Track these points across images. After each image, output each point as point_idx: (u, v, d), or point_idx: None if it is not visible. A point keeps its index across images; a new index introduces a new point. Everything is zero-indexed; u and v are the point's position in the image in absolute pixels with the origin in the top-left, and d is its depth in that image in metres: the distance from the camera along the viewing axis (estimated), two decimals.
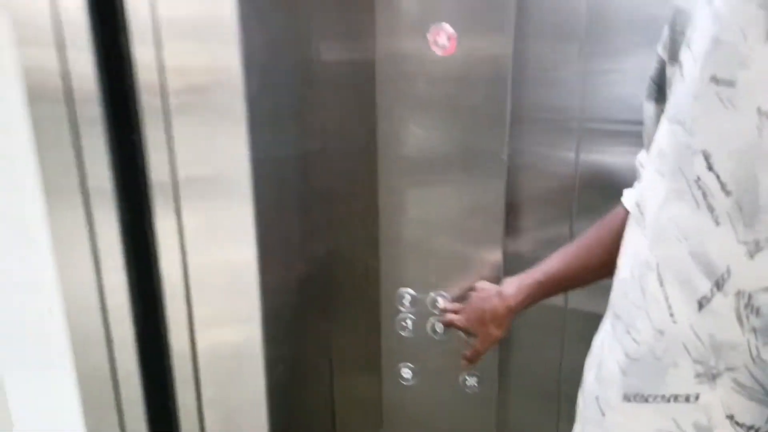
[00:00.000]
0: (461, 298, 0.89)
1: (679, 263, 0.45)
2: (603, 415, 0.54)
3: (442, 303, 0.91)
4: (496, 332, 0.81)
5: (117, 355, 0.74)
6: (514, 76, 0.80)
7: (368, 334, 0.96)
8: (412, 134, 0.86)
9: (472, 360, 0.85)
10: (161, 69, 0.64)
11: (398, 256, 0.93)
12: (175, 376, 0.73)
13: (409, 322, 0.94)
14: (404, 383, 0.94)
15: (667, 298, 0.46)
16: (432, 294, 0.92)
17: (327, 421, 0.98)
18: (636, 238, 0.52)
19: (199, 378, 0.72)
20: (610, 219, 0.74)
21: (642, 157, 0.68)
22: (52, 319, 0.74)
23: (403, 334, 0.94)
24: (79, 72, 0.65)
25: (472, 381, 0.93)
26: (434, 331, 0.93)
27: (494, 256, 0.88)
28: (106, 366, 0.74)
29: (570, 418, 0.62)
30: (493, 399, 0.87)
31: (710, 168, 0.41)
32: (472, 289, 0.87)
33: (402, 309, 0.94)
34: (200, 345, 0.71)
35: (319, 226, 0.90)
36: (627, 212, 0.70)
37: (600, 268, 0.71)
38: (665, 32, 0.55)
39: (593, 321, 0.61)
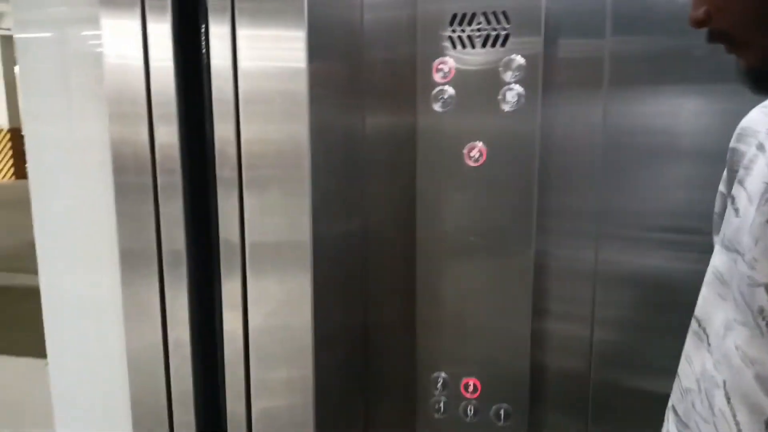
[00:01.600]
0: None
1: (745, 386, 0.49)
2: None
3: None
4: None
5: (176, 415, 0.81)
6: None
7: (404, 414, 1.01)
8: (449, 213, 0.95)
9: None
10: (238, 143, 0.74)
11: (434, 339, 1.01)
12: None
13: (442, 405, 1.00)
14: None
15: (734, 416, 0.50)
16: (464, 378, 0.99)
17: None
18: (700, 352, 0.56)
19: None
20: None
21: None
22: (115, 379, 0.80)
23: (436, 416, 1.00)
24: (164, 143, 0.76)
25: None
26: (465, 414, 0.99)
27: (522, 349, 0.94)
28: (165, 422, 0.81)
29: None
30: None
31: None
32: None
33: (436, 392, 1.01)
34: (255, 409, 0.79)
35: (360, 300, 0.98)
36: None
37: None
38: (725, 172, 0.62)
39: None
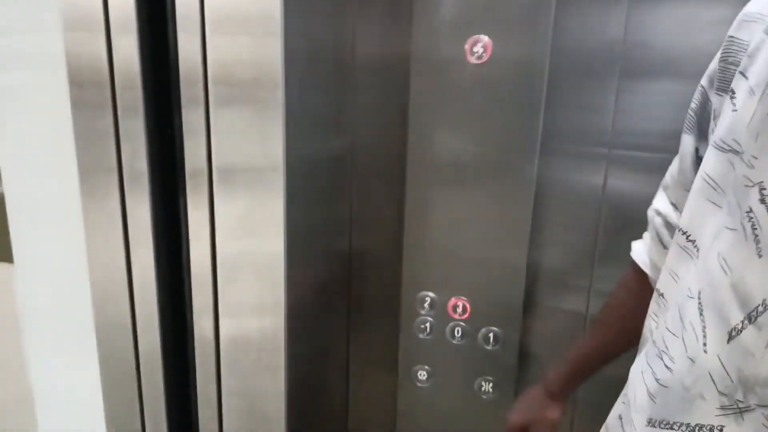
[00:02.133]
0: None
1: (720, 294, 0.44)
2: None
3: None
4: (552, 415, 0.80)
5: (141, 338, 0.75)
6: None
7: (387, 335, 0.96)
8: (443, 140, 0.86)
9: None
10: (204, 60, 0.64)
11: (421, 259, 0.93)
12: (197, 363, 0.74)
13: (428, 326, 0.94)
14: (419, 385, 0.95)
15: (704, 328, 0.45)
16: (453, 299, 0.93)
17: (341, 417, 0.98)
18: (687, 267, 0.51)
19: (221, 366, 0.73)
20: (621, 281, 0.73)
21: (663, 200, 0.65)
22: (79, 300, 0.75)
23: (421, 336, 0.95)
24: (123, 58, 0.66)
25: (488, 387, 0.93)
26: (453, 335, 0.93)
27: (518, 265, 0.87)
28: (129, 348, 0.75)
29: (584, 424, 0.62)
30: (509, 406, 0.87)
31: (763, 201, 0.41)
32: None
33: (422, 312, 0.94)
34: (223, 333, 0.72)
35: (345, 224, 0.90)
36: (633, 266, 0.70)
37: (627, 334, 0.69)
38: (714, 63, 0.53)
39: None
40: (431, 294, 0.94)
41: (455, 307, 0.93)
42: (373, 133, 0.86)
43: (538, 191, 0.84)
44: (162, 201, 0.70)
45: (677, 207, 0.63)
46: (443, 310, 0.93)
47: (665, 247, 0.63)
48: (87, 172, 0.69)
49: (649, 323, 0.59)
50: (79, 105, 0.68)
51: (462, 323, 0.93)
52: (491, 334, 0.91)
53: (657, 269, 0.65)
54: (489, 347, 0.91)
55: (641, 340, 0.62)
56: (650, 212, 0.68)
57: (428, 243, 0.92)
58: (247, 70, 0.63)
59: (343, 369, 0.96)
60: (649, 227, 0.68)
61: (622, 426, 0.57)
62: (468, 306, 0.92)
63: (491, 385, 0.93)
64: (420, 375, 0.95)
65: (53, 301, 0.80)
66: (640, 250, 0.70)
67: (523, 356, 0.91)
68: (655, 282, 0.61)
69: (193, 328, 0.74)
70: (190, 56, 0.65)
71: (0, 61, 0.74)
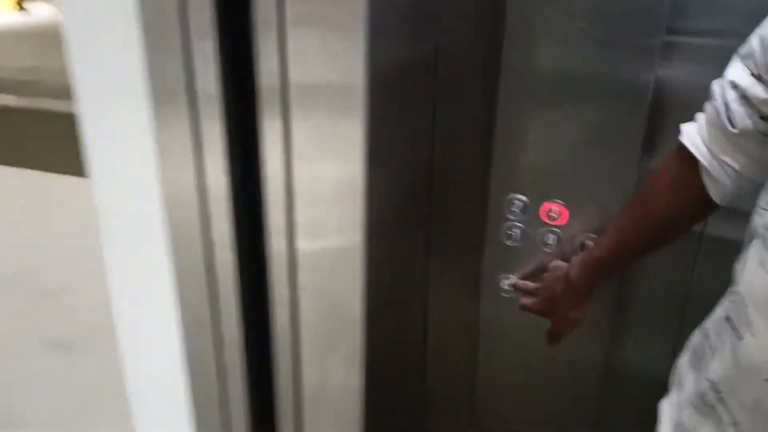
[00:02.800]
0: (533, 275, 0.84)
1: None
2: (740, 339, 0.51)
3: (514, 281, 0.87)
4: (574, 313, 0.77)
5: (216, 252, 0.72)
6: None
7: (471, 241, 0.89)
8: (543, 47, 0.72)
9: (553, 342, 0.82)
10: None
11: (512, 162, 0.83)
12: (273, 275, 0.70)
13: (517, 231, 0.86)
14: (504, 295, 0.89)
15: None
16: (546, 203, 0.83)
17: (420, 329, 0.95)
18: None
19: (297, 281, 0.69)
20: (662, 166, 0.65)
21: (740, 71, 0.54)
22: (154, 216, 0.71)
23: (508, 243, 0.87)
24: None
25: None
26: (544, 242, 0.85)
27: (626, 173, 0.76)
28: (202, 263, 0.73)
29: None
30: (603, 323, 0.81)
31: None
32: (544, 269, 0.81)
33: (511, 217, 0.86)
34: (300, 249, 0.68)
35: (428, 133, 0.80)
36: (681, 152, 0.61)
37: (661, 220, 0.65)
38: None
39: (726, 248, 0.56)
40: (521, 197, 0.85)
41: (549, 212, 0.83)
42: (461, 36, 0.74)
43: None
44: (236, 120, 0.64)
45: (762, 78, 0.51)
46: (535, 215, 0.85)
47: (733, 127, 0.54)
48: (158, 89, 0.64)
49: (763, 218, 0.51)
50: (148, 24, 0.62)
51: (556, 229, 0.84)
52: (590, 243, 0.82)
53: (711, 155, 0.57)
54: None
55: (747, 235, 0.55)
56: (717, 87, 0.56)
57: (521, 143, 0.81)
58: None
59: (422, 281, 0.91)
60: (709, 106, 0.57)
61: (732, 327, 0.53)
62: (565, 211, 0.83)
63: None
64: (505, 285, 0.88)
65: (128, 216, 0.78)
66: (692, 132, 0.60)
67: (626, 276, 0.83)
68: (706, 168, 0.56)
69: (269, 244, 0.69)
70: None
71: None
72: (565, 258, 0.81)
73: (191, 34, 0.61)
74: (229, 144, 0.66)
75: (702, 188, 0.59)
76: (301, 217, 0.66)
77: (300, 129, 0.62)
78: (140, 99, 0.67)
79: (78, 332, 2.99)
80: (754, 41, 0.53)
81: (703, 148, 0.58)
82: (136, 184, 0.75)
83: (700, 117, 0.60)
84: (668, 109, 0.73)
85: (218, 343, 0.76)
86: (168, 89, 0.65)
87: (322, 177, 0.63)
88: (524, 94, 0.79)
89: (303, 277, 0.68)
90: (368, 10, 0.55)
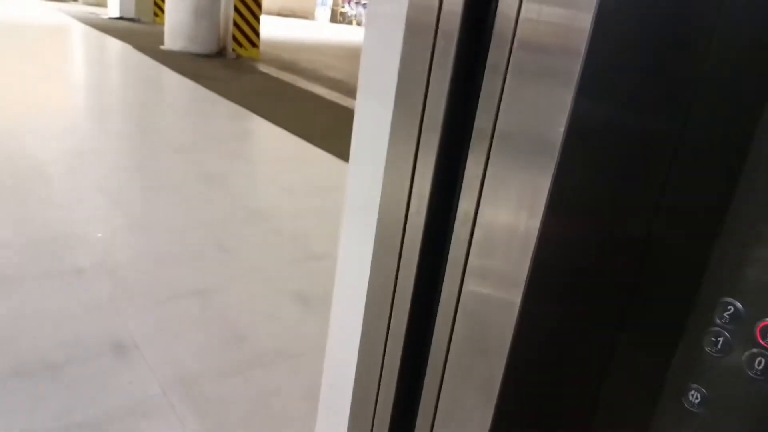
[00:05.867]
0: None
1: None
2: None
3: None
4: None
5: (403, 257, 0.80)
6: None
7: (665, 334, 0.81)
8: None
9: None
10: (516, 21, 0.62)
11: (737, 261, 0.74)
12: (441, 305, 0.76)
13: (721, 340, 0.76)
14: (688, 407, 0.79)
15: None
16: (766, 321, 0.72)
17: (587, 420, 0.90)
18: None
19: (456, 316, 0.73)
20: None
21: None
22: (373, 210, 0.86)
23: (708, 350, 0.77)
24: (450, 9, 0.68)
25: None
26: (751, 365, 0.74)
27: None
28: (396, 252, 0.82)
29: None
30: None
31: None
32: None
33: (719, 321, 0.76)
34: (467, 289, 0.72)
35: (645, 209, 0.76)
36: None
37: None
38: None
39: None
40: (738, 304, 0.74)
41: (766, 330, 0.72)
42: (713, 118, 0.69)
43: None
44: (449, 154, 0.73)
45: None
46: (749, 329, 0.73)
47: None
48: (399, 112, 0.77)
49: None
50: (407, 55, 0.75)
51: None
52: None
53: None
54: None
55: None
56: None
57: (754, 242, 0.72)
58: (554, 37, 0.59)
59: (592, 359, 0.86)
60: None
61: None
62: None
63: None
64: (692, 396, 0.78)
65: (359, 204, 0.95)
66: None
67: None
68: None
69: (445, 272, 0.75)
70: (506, 15, 0.63)
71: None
72: None
73: (432, 76, 0.71)
74: (437, 172, 0.75)
75: None
76: (475, 257, 0.70)
77: (495, 173, 0.67)
78: (387, 115, 0.81)
79: (322, 291, 3.45)
80: None
81: None
82: (370, 179, 0.90)
83: None
84: None
85: (384, 345, 0.85)
86: (407, 113, 0.77)
87: (503, 223, 0.66)
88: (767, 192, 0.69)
89: (462, 316, 0.72)
90: (585, 66, 0.57)
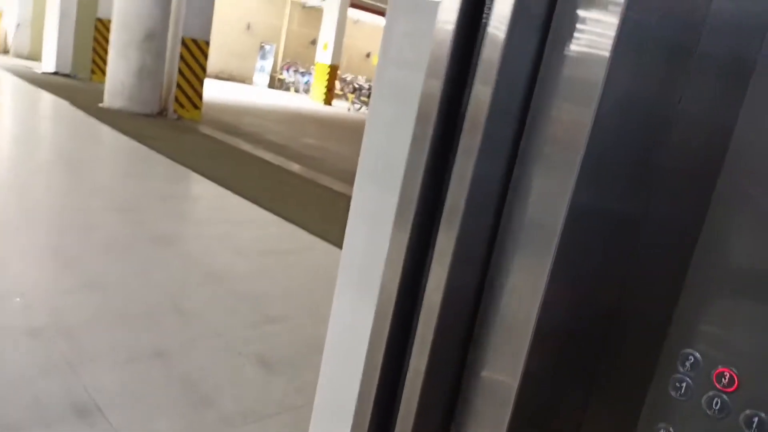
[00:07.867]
0: None
1: None
2: None
3: None
4: None
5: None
6: None
7: (636, 382, 0.95)
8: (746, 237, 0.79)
9: None
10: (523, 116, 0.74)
11: (693, 316, 0.89)
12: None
13: (683, 386, 0.90)
14: None
15: None
16: (720, 368, 0.87)
17: None
18: None
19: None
20: None
21: None
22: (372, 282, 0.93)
23: (673, 394, 0.92)
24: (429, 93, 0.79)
25: None
26: (710, 405, 0.88)
27: None
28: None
29: None
30: None
31: None
32: None
33: (681, 369, 0.91)
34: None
35: (615, 284, 0.90)
36: None
37: None
38: None
39: None
40: (696, 354, 0.89)
41: (720, 375, 0.87)
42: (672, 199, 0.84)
43: None
44: (424, 230, 0.82)
45: None
46: (706, 375, 0.88)
47: None
48: (402, 197, 0.85)
49: None
50: (415, 140, 0.84)
51: (724, 396, 0.87)
52: (756, 419, 0.83)
53: None
54: None
55: None
56: None
57: (707, 301, 0.87)
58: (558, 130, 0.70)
59: (575, 410, 0.99)
60: None
61: None
62: (736, 378, 0.85)
63: None
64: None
65: (354, 275, 1.01)
66: None
67: None
68: None
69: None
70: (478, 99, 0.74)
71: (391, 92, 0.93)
72: None
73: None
74: (412, 244, 0.83)
75: None
76: None
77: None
78: (392, 198, 0.88)
79: (283, 355, 3.41)
80: None
81: None
82: (369, 258, 0.97)
83: None
84: None
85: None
86: (406, 198, 0.85)
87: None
88: (719, 273, 0.85)
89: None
90: (585, 157, 0.67)
